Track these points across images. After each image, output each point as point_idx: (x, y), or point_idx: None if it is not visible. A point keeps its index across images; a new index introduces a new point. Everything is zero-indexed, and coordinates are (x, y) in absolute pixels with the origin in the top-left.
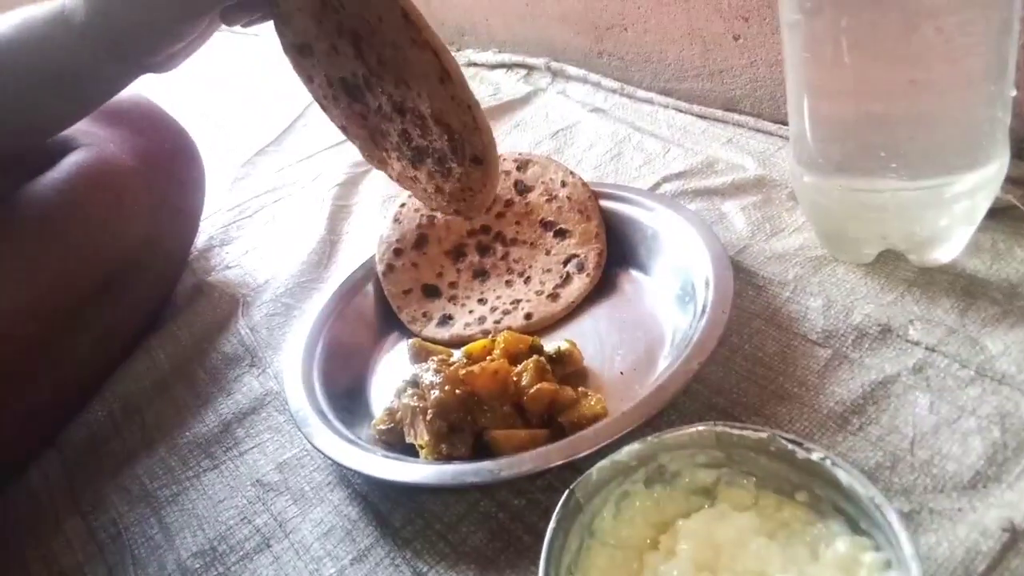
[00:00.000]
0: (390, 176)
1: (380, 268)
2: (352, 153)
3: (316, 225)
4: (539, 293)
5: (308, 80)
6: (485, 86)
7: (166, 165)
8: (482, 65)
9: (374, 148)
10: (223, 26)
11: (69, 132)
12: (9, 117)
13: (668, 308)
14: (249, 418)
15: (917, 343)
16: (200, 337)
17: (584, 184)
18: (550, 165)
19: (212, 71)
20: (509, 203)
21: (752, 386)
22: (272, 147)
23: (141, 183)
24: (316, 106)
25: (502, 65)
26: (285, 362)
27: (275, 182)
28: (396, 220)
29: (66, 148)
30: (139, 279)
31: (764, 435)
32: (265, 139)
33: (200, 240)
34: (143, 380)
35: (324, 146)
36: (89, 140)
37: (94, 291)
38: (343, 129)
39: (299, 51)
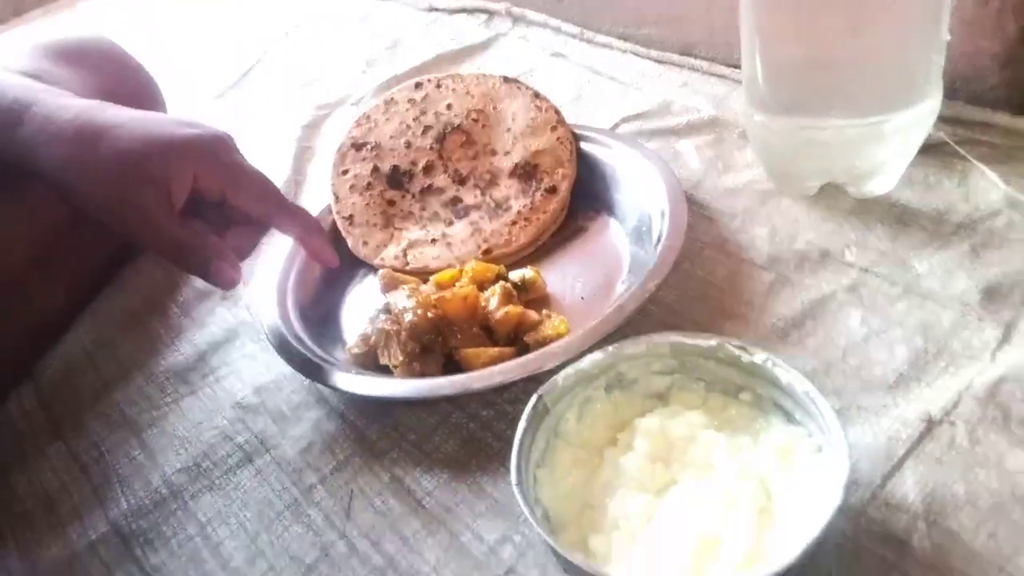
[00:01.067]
0: (377, 262)
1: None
2: (315, 95)
3: (281, 166)
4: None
5: (341, 173)
6: (446, 31)
7: (128, 104)
8: (443, 10)
9: (379, 231)
10: None
11: (32, 70)
12: None
13: (627, 239)
14: (224, 347)
15: (852, 265)
16: (171, 272)
17: (555, 109)
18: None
19: (166, 17)
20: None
21: (703, 307)
22: (232, 91)
23: None
24: (276, 50)
25: (463, 10)
26: (257, 292)
27: (237, 125)
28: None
29: None
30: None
31: (713, 343)
32: (225, 83)
33: None
34: (115, 315)
35: (285, 89)
36: (52, 80)
37: (61, 232)
38: (348, 219)
39: (357, 148)
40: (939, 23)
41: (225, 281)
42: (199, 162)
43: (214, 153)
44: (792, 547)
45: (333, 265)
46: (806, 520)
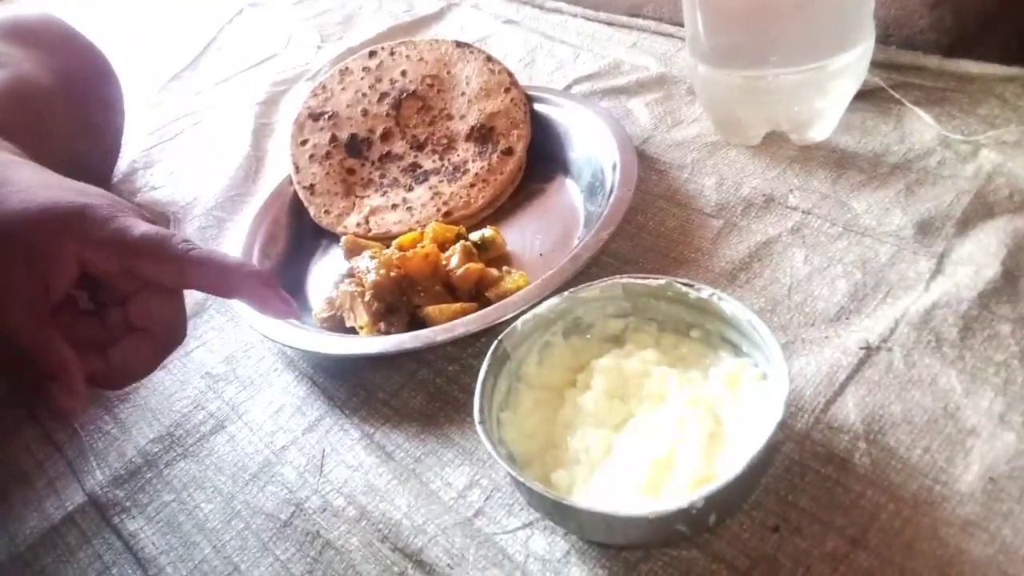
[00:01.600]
0: (340, 230)
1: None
2: (271, 72)
3: (240, 143)
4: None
5: (300, 144)
6: (399, 3)
7: (84, 84)
8: None
9: (340, 200)
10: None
11: None
12: None
13: (581, 196)
14: (192, 321)
15: (795, 208)
16: None
17: (508, 72)
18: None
19: None
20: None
21: (655, 255)
22: (187, 72)
23: (60, 102)
24: (230, 29)
25: None
26: None
27: (193, 105)
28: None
29: None
30: None
31: (662, 281)
32: (179, 64)
33: (122, 165)
34: None
35: (240, 68)
36: (5, 60)
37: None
38: (309, 188)
39: (315, 118)
40: None
41: (56, 408)
42: (84, 239)
43: (100, 224)
44: (738, 463)
45: (295, 318)
46: (754, 441)
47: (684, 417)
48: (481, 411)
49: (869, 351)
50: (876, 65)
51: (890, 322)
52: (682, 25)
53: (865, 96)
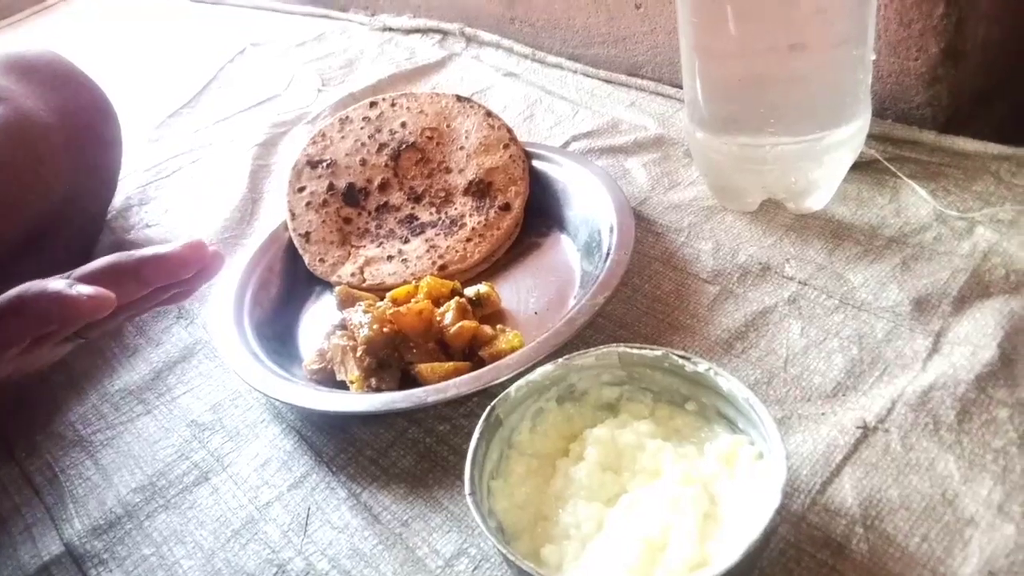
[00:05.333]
0: (334, 279)
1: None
2: (270, 114)
3: (237, 184)
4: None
5: (297, 191)
6: (401, 50)
7: (83, 122)
8: (397, 30)
9: (336, 249)
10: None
11: None
12: None
13: (577, 254)
14: (179, 366)
15: (791, 278)
16: None
17: (507, 128)
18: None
19: (121, 35)
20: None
21: (651, 319)
22: (186, 109)
23: (59, 139)
24: (231, 68)
25: (417, 30)
26: (213, 310)
27: (191, 143)
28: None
29: None
30: (58, 237)
31: (659, 353)
32: (179, 101)
33: (117, 200)
34: None
35: (240, 108)
36: (5, 95)
37: (13, 248)
38: (304, 236)
39: (313, 166)
40: (866, 43)
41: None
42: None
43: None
44: (734, 549)
45: (219, 262)
46: (749, 523)
47: (678, 496)
48: (472, 481)
49: (866, 431)
50: (872, 138)
51: (887, 402)
52: (680, 86)
53: (861, 168)
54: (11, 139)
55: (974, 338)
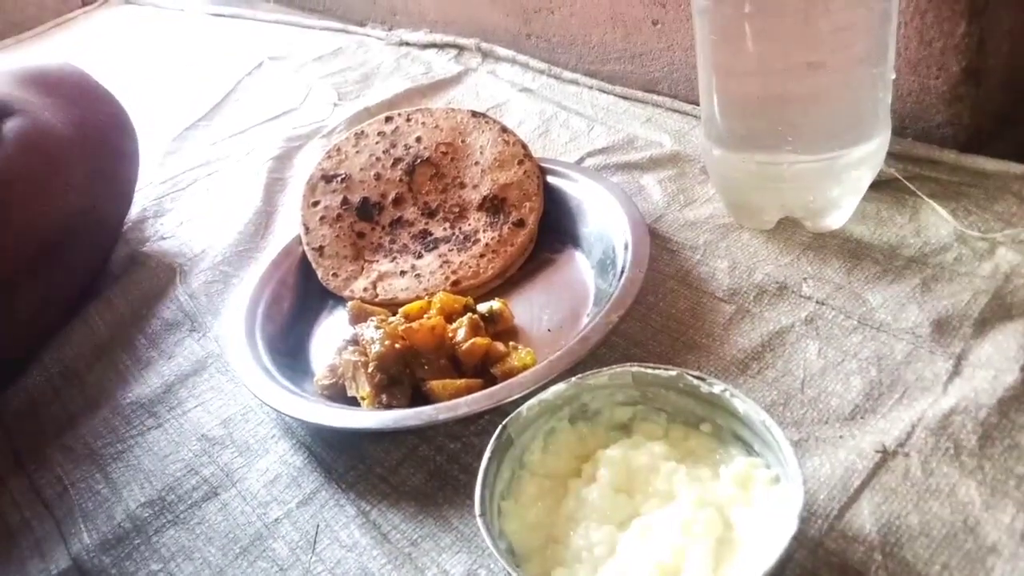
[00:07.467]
0: (346, 294)
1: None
2: (286, 127)
3: (252, 197)
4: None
5: (311, 205)
6: (417, 65)
7: (101, 135)
8: (414, 45)
9: (349, 263)
10: None
11: (4, 96)
12: None
13: (592, 271)
14: (191, 379)
15: (809, 298)
16: (138, 304)
17: (522, 144)
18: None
19: (139, 48)
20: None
21: (665, 338)
22: (203, 122)
23: (77, 152)
24: (249, 81)
25: (433, 45)
26: (226, 323)
27: (208, 156)
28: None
29: (2, 112)
30: (75, 248)
31: (673, 373)
32: (196, 114)
33: (133, 212)
34: (81, 347)
35: (256, 121)
36: (24, 108)
37: (30, 260)
38: (318, 250)
39: (327, 180)
40: (885, 61)
41: None
42: None
43: None
44: None
45: None
46: (765, 550)
47: (692, 519)
48: (482, 501)
49: (885, 455)
50: (892, 156)
51: (907, 425)
52: (697, 103)
53: (880, 187)
54: (30, 151)
55: (996, 361)
